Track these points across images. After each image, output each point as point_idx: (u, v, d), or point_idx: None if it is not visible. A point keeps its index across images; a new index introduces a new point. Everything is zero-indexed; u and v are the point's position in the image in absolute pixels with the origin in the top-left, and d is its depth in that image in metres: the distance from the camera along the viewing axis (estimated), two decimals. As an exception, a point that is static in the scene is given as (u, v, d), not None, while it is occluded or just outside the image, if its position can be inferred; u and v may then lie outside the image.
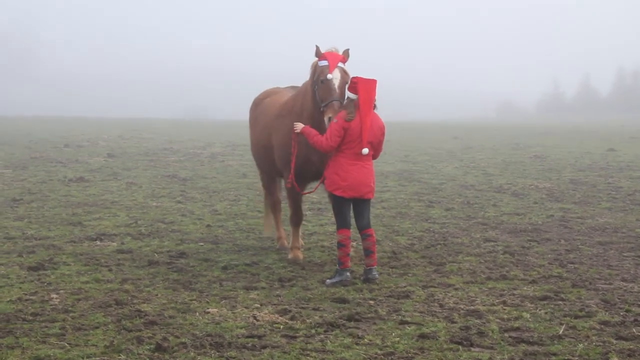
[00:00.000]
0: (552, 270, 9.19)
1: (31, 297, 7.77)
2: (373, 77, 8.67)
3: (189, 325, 6.94)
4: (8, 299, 7.67)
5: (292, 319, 7.14)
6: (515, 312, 7.43)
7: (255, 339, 6.54)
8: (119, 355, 6.11)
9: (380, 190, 16.79)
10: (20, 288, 8.13)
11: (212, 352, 6.23)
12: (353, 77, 8.67)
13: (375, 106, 8.74)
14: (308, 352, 6.25)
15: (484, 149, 30.16)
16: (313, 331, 6.79)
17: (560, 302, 7.76)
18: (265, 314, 7.24)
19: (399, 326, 7.00)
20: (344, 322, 7.07)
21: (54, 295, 7.84)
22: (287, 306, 7.55)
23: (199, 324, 6.97)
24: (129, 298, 7.81)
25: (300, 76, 9.76)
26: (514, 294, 8.10)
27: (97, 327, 6.83)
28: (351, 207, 8.86)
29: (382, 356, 6.22)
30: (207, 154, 27.13)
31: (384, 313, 7.39)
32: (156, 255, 9.90)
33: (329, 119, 8.64)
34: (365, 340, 6.59)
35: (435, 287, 8.44)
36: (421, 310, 7.50)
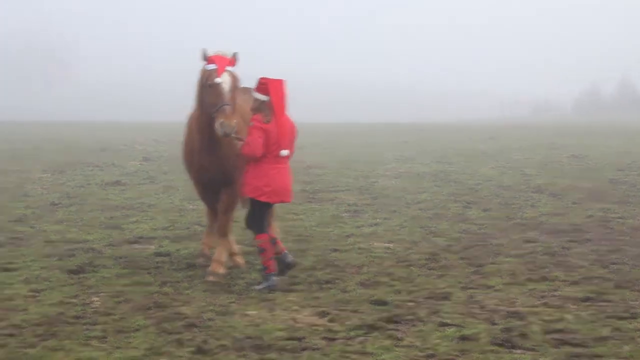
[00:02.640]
0: (594, 271, 9.09)
1: (72, 300, 7.86)
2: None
3: (228, 327, 6.97)
4: (50, 302, 7.78)
5: (331, 321, 7.15)
6: (557, 313, 7.36)
7: (295, 341, 6.56)
8: (160, 358, 6.17)
9: (416, 192, 16.75)
10: (61, 291, 8.24)
11: (252, 354, 6.26)
12: (261, 78, 8.46)
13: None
14: (348, 354, 6.25)
15: (520, 149, 29.90)
16: (352, 333, 6.80)
17: (604, 304, 7.68)
18: (304, 316, 7.26)
19: (439, 328, 6.97)
20: (383, 324, 7.06)
21: (95, 298, 7.93)
22: (325, 308, 7.56)
23: (239, 326, 7.01)
24: (169, 301, 7.87)
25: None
26: (555, 295, 8.03)
27: (137, 330, 6.90)
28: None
29: (422, 358, 6.21)
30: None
31: (424, 315, 7.36)
32: (194, 258, 9.95)
33: (221, 123, 8.18)
34: (405, 342, 6.58)
35: (475, 288, 8.40)
36: (461, 312, 7.46)
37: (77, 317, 7.27)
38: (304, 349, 6.36)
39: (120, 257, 9.90)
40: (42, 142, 35.20)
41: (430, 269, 9.33)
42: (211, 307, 7.63)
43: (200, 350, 6.28)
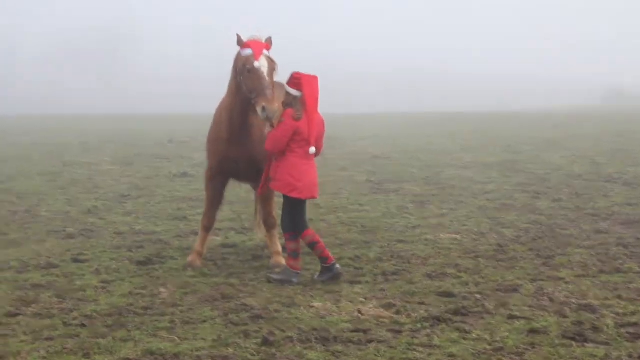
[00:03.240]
0: (670, 263, 8.82)
1: (141, 291, 7.98)
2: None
3: (294, 319, 6.99)
4: (120, 293, 7.92)
5: (397, 313, 7.10)
6: (631, 306, 7.17)
7: (361, 334, 6.54)
8: (227, 349, 6.21)
9: (483, 182, 16.53)
10: (130, 282, 8.38)
11: (318, 346, 6.26)
12: (295, 73, 8.30)
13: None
14: (415, 347, 6.20)
15: (590, 137, 29.24)
16: (419, 325, 6.74)
17: (680, 297, 7.44)
18: (370, 308, 7.23)
19: (507, 321, 6.86)
20: (451, 316, 6.98)
21: (163, 290, 8.04)
22: (391, 300, 7.51)
23: (304, 318, 7.02)
24: (235, 292, 7.93)
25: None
26: (629, 288, 7.82)
27: (205, 321, 6.96)
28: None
29: (491, 351, 6.11)
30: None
31: (492, 307, 7.25)
32: (260, 249, 10.01)
33: (263, 107, 8.06)
34: (473, 335, 6.49)
35: (544, 280, 8.24)
36: (530, 305, 7.33)
37: (145, 308, 7.38)
38: (369, 342, 6.33)
39: (188, 249, 10.01)
40: (110, 134, 35.88)
41: (498, 261, 9.18)
42: (277, 299, 7.66)
43: (266, 342, 6.30)
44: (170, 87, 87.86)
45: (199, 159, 23.07)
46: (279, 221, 9.03)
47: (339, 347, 6.21)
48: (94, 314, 7.17)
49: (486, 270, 8.67)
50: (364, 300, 7.56)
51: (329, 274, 8.34)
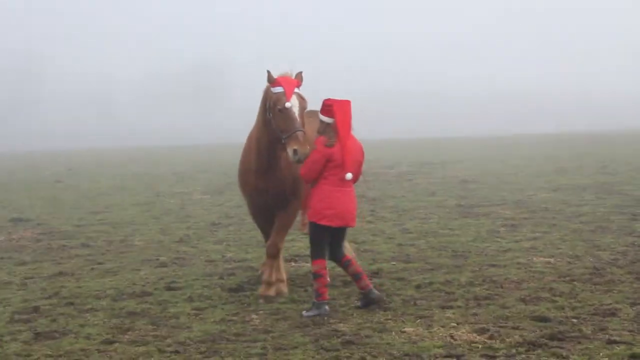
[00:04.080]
0: None
1: (233, 318, 8.08)
2: (349, 98, 8.13)
3: (385, 344, 6.94)
4: (212, 320, 8.03)
5: (490, 338, 6.96)
6: None
7: (454, 359, 6.43)
8: (319, 375, 6.20)
9: (577, 204, 16.13)
10: (222, 309, 8.49)
11: (410, 371, 6.19)
12: (326, 100, 8.13)
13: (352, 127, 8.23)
14: (510, 373, 6.06)
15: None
16: (514, 350, 6.59)
17: None
18: (463, 333, 7.11)
19: (606, 346, 6.63)
20: (546, 341, 6.79)
21: (254, 316, 8.11)
22: (484, 325, 7.37)
23: (396, 343, 6.96)
24: (326, 318, 7.93)
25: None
26: None
27: (296, 347, 6.98)
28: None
29: (590, 377, 5.91)
30: (394, 173, 27.25)
31: (589, 332, 7.03)
32: (350, 276, 9.99)
33: (294, 151, 7.95)
34: (571, 360, 6.30)
35: (645, 304, 7.94)
36: (630, 329, 7.07)
37: (237, 335, 7.45)
38: (463, 367, 6.23)
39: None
40: (202, 164, 36.63)
41: (594, 284, 8.91)
42: (368, 324, 7.62)
43: (358, 368, 6.27)
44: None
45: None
46: (280, 253, 9.06)
47: (431, 373, 6.13)
48: (188, 341, 7.29)
49: (582, 294, 8.42)
50: (456, 324, 7.45)
51: (317, 311, 8.09)
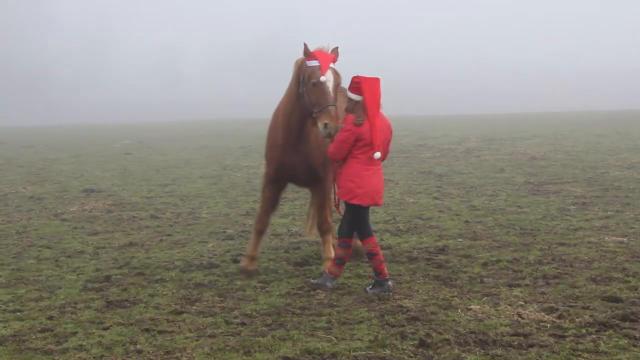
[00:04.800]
0: None
1: (298, 292, 8.16)
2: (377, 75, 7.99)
3: (451, 321, 6.92)
4: (278, 293, 8.13)
5: (559, 317, 6.87)
6: None
7: (521, 338, 6.39)
8: (384, 350, 6.23)
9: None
10: (288, 282, 8.58)
11: (477, 349, 6.17)
12: (355, 77, 7.98)
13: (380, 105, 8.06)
14: (579, 353, 5.99)
15: None
16: (583, 331, 6.50)
17: None
18: (530, 312, 7.04)
19: (681, 328, 6.48)
20: (618, 322, 6.68)
21: (319, 290, 8.17)
22: (553, 304, 7.28)
23: (462, 320, 6.93)
24: (391, 294, 7.94)
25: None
26: None
27: (361, 322, 7.02)
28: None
29: (663, 360, 5.80)
30: (462, 149, 26.95)
31: (663, 314, 6.88)
32: (415, 251, 9.98)
33: (325, 125, 7.87)
34: (643, 342, 6.18)
35: None
36: None
37: (303, 308, 7.53)
38: (530, 346, 6.17)
39: (343, 250, 10.11)
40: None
41: (669, 265, 8.70)
42: (433, 301, 7.61)
43: (423, 344, 6.27)
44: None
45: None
46: (335, 227, 8.91)
47: (499, 351, 6.09)
48: (254, 313, 7.40)
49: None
50: (523, 303, 7.38)
51: (380, 289, 8.07)
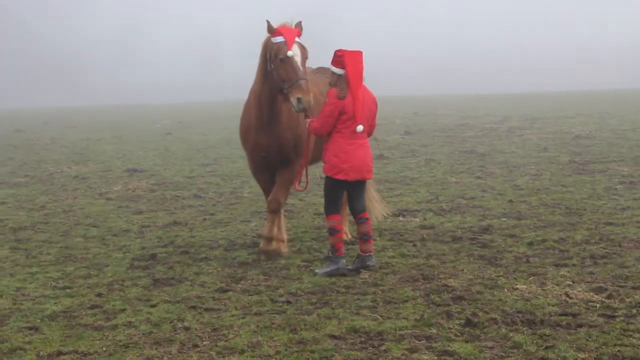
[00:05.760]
0: None
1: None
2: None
3: (497, 301, 6.89)
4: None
5: (609, 297, 6.81)
6: None
7: (569, 317, 6.34)
8: (430, 329, 6.23)
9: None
10: (332, 261, 8.59)
11: (524, 329, 6.14)
12: (337, 50, 7.91)
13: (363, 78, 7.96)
14: (630, 333, 5.93)
15: None
16: (634, 311, 6.43)
17: None
18: (579, 291, 6.98)
19: None
20: (669, 302, 6.60)
21: (363, 270, 8.18)
22: (602, 284, 7.21)
23: (508, 300, 6.90)
24: (435, 273, 7.93)
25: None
26: None
27: (406, 301, 7.02)
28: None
29: None
30: (504, 128, 26.71)
31: None
32: (459, 230, 9.95)
33: (298, 99, 7.82)
34: (695, 323, 6.10)
35: None
36: None
37: (347, 287, 7.55)
38: (579, 326, 6.12)
39: (386, 230, 10.13)
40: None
41: None
42: (479, 280, 7.59)
43: (469, 323, 6.26)
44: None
45: (394, 141, 23.23)
46: (281, 209, 8.86)
47: (547, 331, 6.06)
48: (299, 292, 7.45)
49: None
50: (571, 283, 7.32)
51: (335, 267, 8.03)
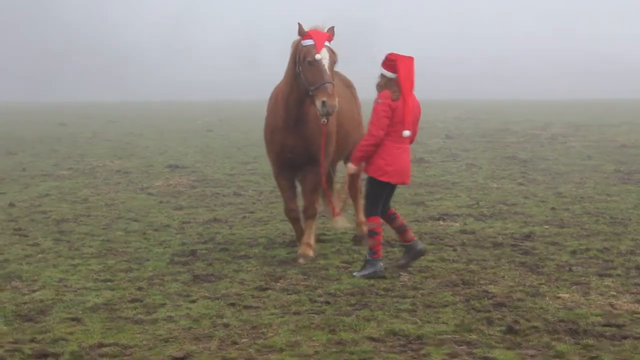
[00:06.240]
0: None
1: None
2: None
3: (539, 309, 6.81)
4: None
5: (654, 309, 6.69)
6: None
7: (614, 328, 6.23)
8: (470, 335, 6.17)
9: None
10: (371, 264, 8.56)
11: (567, 338, 6.05)
12: (390, 54, 7.88)
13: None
14: (676, 347, 5.82)
15: None
16: (680, 324, 6.31)
17: None
18: (624, 302, 6.88)
19: None
20: None
21: (403, 273, 8.14)
22: (648, 296, 7.09)
23: (550, 308, 6.81)
24: (476, 279, 7.86)
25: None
26: None
27: (446, 306, 6.97)
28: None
29: None
30: (546, 134, 26.45)
31: None
32: (500, 237, 9.85)
33: (323, 102, 7.82)
34: None
35: None
36: None
37: (386, 290, 7.52)
38: (624, 337, 6.01)
39: (426, 233, 10.07)
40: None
41: None
42: (520, 288, 7.50)
43: (511, 330, 6.19)
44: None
45: (435, 145, 23.12)
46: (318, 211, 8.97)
47: (590, 341, 5.96)
48: (338, 292, 7.43)
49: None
50: (615, 294, 7.20)
51: (372, 269, 7.99)
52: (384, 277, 7.94)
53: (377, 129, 7.92)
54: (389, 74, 7.95)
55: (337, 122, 8.82)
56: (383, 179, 8.06)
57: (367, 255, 8.17)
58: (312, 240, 8.90)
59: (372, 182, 8.17)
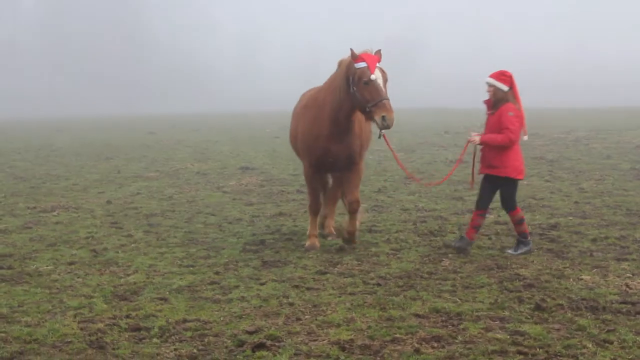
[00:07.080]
0: None
1: (426, 259, 8.16)
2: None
3: (564, 289, 6.75)
4: (408, 259, 8.16)
5: (666, 290, 6.56)
6: None
7: (629, 305, 6.16)
8: (503, 312, 6.16)
9: None
10: (416, 251, 8.59)
11: (588, 314, 6.01)
12: (505, 71, 8.09)
13: None
14: (686, 322, 5.71)
15: None
16: (690, 303, 6.18)
17: None
18: (638, 283, 6.78)
19: None
20: None
21: (444, 258, 8.14)
22: (660, 278, 6.96)
23: (574, 288, 6.75)
24: (508, 263, 7.82)
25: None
26: None
27: (482, 287, 6.96)
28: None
29: None
30: (571, 138, 25.92)
31: None
32: (529, 226, 9.73)
33: (383, 117, 7.75)
34: None
35: None
36: None
37: (430, 273, 7.53)
38: (638, 313, 5.95)
39: (465, 225, 10.01)
40: (397, 126, 36.68)
41: None
42: (547, 271, 7.44)
43: (538, 307, 6.16)
44: (450, 85, 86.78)
45: (471, 147, 22.84)
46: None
47: (609, 316, 5.91)
48: (388, 276, 7.47)
49: None
50: (631, 275, 7.11)
51: (526, 247, 8.21)
52: (531, 251, 8.19)
53: (516, 136, 8.10)
54: (504, 87, 8.11)
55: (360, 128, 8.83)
56: (520, 177, 8.35)
57: (521, 238, 8.31)
58: (357, 226, 9.00)
59: (510, 182, 8.38)
